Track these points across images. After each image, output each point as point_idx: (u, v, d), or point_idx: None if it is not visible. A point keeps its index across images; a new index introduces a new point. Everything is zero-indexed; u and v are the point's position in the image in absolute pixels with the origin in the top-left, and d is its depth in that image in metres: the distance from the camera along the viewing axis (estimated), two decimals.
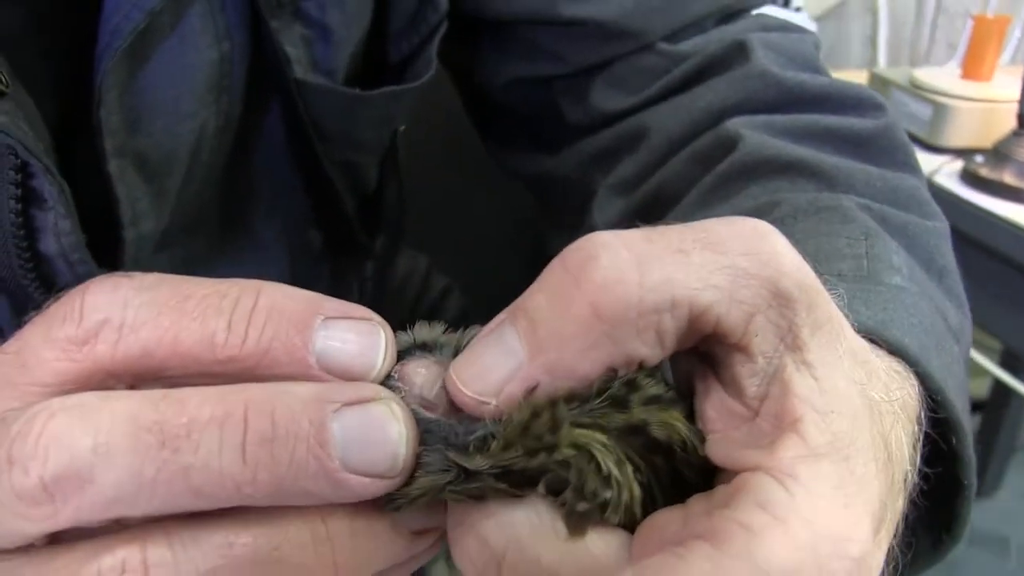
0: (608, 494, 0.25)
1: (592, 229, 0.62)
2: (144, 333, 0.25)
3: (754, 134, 0.53)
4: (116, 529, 0.24)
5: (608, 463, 0.25)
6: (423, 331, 0.28)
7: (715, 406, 0.27)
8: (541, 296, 0.26)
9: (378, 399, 0.25)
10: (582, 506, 0.25)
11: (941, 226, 0.49)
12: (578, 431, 0.25)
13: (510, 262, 0.98)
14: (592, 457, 0.25)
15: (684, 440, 0.26)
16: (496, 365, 0.26)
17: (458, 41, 0.63)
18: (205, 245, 0.56)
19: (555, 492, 0.26)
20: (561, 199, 0.69)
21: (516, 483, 0.26)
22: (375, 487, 0.25)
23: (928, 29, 1.68)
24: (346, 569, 0.26)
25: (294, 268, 0.61)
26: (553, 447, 0.25)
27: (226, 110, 0.51)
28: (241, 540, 0.24)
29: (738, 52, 0.58)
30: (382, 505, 0.26)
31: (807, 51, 0.61)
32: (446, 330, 0.28)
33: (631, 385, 0.26)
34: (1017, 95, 1.13)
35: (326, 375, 0.25)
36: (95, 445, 0.23)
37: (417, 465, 0.26)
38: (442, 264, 0.96)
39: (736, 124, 0.54)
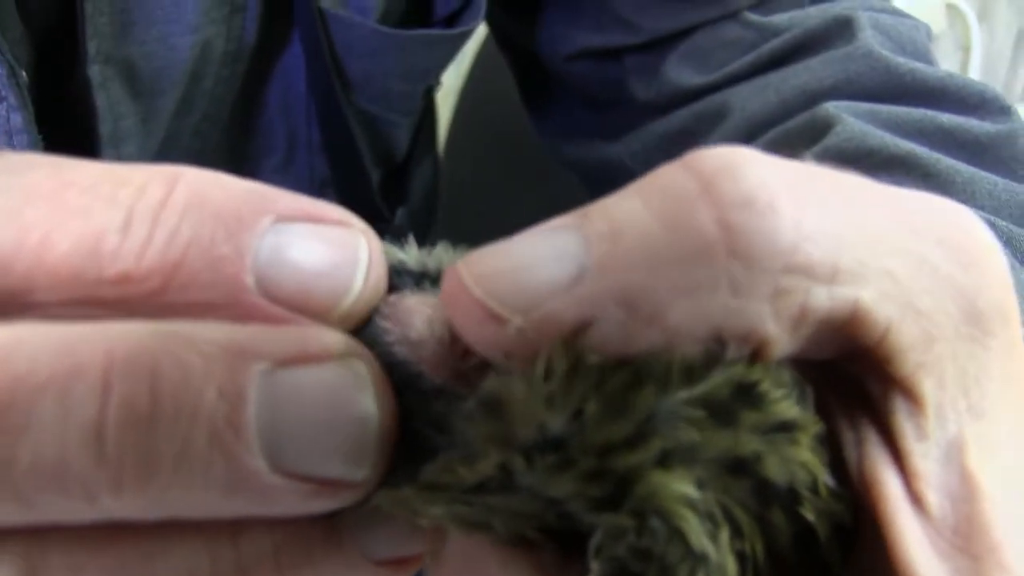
0: None
1: None
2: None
3: (855, 121, 0.44)
4: None
5: (703, 544, 0.15)
6: (440, 254, 0.18)
7: (871, 463, 0.17)
8: (636, 199, 0.16)
9: (336, 356, 0.16)
10: None
11: None
12: (659, 477, 0.15)
13: None
14: (685, 545, 0.15)
15: (816, 481, 0.17)
16: (540, 261, 0.16)
17: (519, 8, 0.56)
18: None
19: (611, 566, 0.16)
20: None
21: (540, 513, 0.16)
22: (322, 500, 0.16)
23: None
24: None
25: None
26: (621, 490, 0.15)
27: (238, 35, 0.45)
28: (96, 564, 0.16)
29: (842, 29, 0.50)
30: (328, 517, 0.17)
31: (920, 40, 0.53)
32: None
33: (748, 393, 0.16)
34: None
35: (271, 307, 0.16)
36: None
37: (399, 457, 0.16)
38: None
39: (833, 107, 0.45)
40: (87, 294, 0.16)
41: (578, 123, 0.63)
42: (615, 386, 0.15)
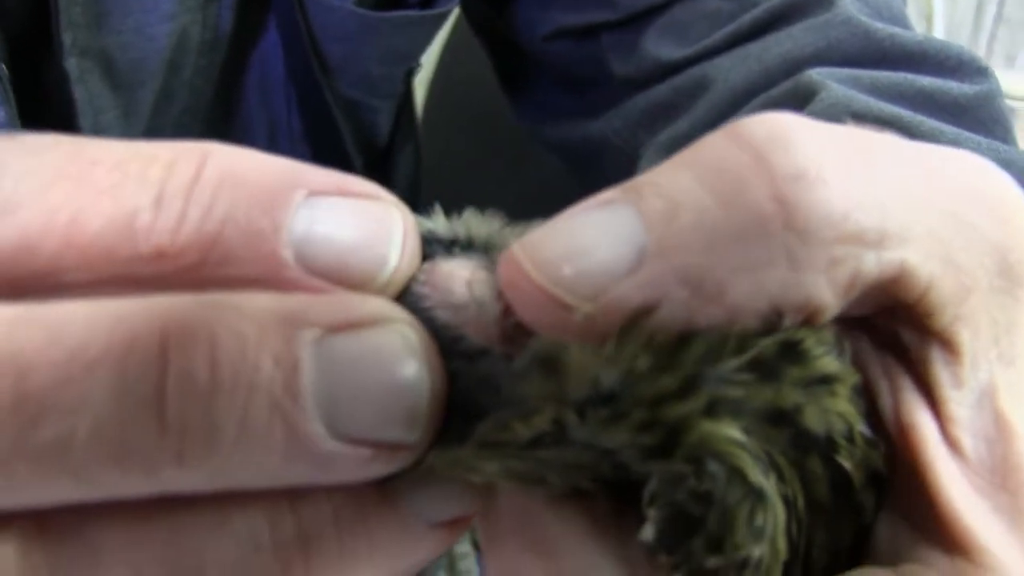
0: (757, 551, 0.16)
1: None
2: (25, 214, 0.15)
3: (839, 86, 0.44)
4: None
5: (761, 481, 0.16)
6: (468, 221, 0.18)
7: (907, 410, 0.18)
8: (687, 174, 0.16)
9: (383, 321, 0.16)
10: (713, 561, 0.16)
11: None
12: (708, 425, 0.16)
13: None
14: (744, 483, 0.16)
15: (851, 430, 0.17)
16: (601, 245, 0.16)
17: None
18: None
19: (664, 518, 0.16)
20: (602, 169, 0.61)
21: (586, 464, 0.16)
22: (380, 463, 0.16)
23: (986, 39, 1.60)
24: None
25: None
26: (672, 439, 0.16)
27: (214, 24, 0.44)
28: (154, 538, 0.15)
29: None
30: (381, 482, 0.17)
31: (897, 6, 0.53)
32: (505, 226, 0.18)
33: (792, 350, 0.16)
34: None
35: (309, 279, 0.16)
36: None
37: (447, 418, 0.17)
38: None
39: (817, 73, 0.46)
40: (120, 272, 0.15)
41: (558, 104, 0.63)
42: (664, 343, 0.15)
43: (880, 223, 0.16)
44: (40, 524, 0.15)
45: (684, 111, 0.52)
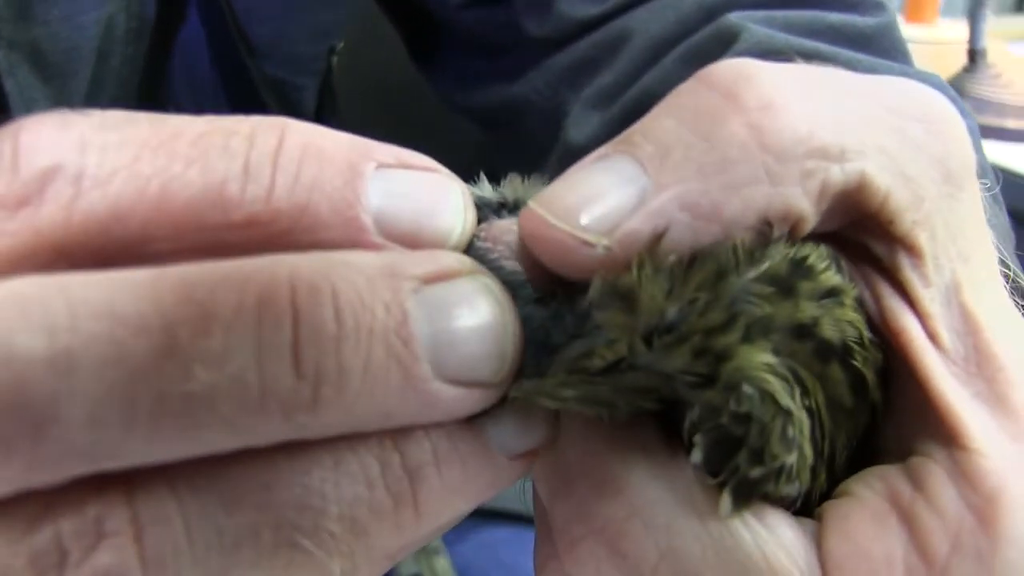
0: (790, 459, 0.18)
1: (568, 153, 0.56)
2: (116, 186, 0.16)
3: (758, 27, 0.46)
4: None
5: (787, 402, 0.18)
6: (513, 185, 0.20)
7: (893, 314, 0.20)
8: (670, 120, 0.18)
9: (466, 272, 0.17)
10: (756, 472, 0.18)
11: (972, 124, 0.44)
12: (746, 351, 0.18)
13: None
14: (775, 404, 0.18)
15: (861, 335, 0.19)
16: (608, 189, 0.18)
17: None
18: None
19: (714, 440, 0.18)
20: (526, 130, 0.61)
21: (635, 390, 0.18)
22: (473, 400, 0.17)
23: None
24: (430, 512, 0.18)
25: None
26: (717, 366, 0.18)
27: (138, 11, 0.43)
28: (283, 481, 0.16)
29: None
30: (469, 421, 0.19)
31: None
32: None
33: (800, 266, 0.19)
34: (961, 37, 1.12)
35: (387, 243, 0.17)
36: (51, 357, 0.14)
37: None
38: None
39: (736, 17, 0.47)
40: (208, 240, 0.16)
41: (476, 70, 0.63)
42: (703, 275, 0.18)
43: (839, 139, 0.18)
44: (169, 477, 0.16)
45: (606, 65, 0.54)
